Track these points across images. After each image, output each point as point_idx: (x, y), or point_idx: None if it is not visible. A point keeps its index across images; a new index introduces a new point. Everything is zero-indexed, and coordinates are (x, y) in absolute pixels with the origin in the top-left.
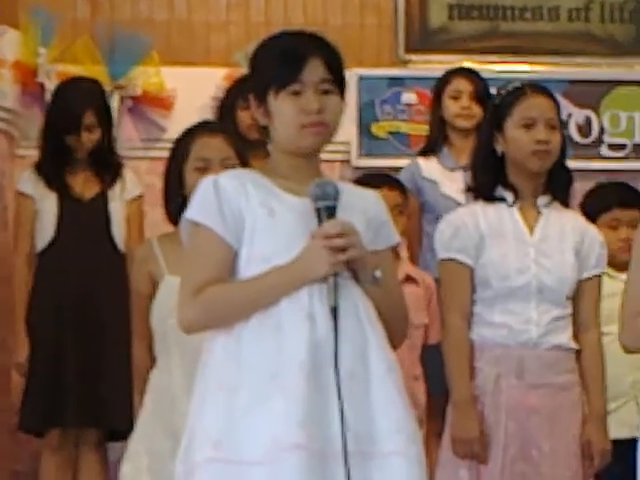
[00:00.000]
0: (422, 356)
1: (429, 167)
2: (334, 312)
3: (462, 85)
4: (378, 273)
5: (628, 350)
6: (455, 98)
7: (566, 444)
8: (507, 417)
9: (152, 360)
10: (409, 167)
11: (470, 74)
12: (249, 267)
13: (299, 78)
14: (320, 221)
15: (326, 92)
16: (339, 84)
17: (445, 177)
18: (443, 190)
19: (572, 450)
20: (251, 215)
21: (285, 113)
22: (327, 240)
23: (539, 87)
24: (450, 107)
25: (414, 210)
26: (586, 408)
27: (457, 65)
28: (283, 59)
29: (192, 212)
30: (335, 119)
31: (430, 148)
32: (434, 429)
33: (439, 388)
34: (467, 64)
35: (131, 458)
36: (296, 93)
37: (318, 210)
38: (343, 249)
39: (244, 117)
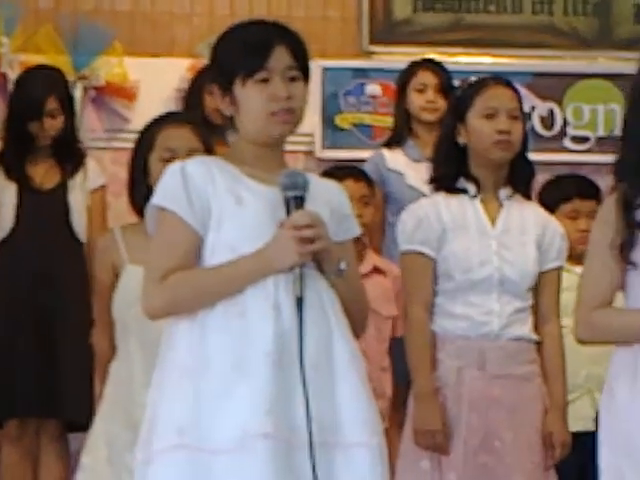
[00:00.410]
0: (390, 348)
1: (394, 158)
2: (299, 302)
3: (427, 78)
4: (343, 265)
5: (583, 343)
6: (420, 91)
7: (528, 435)
8: (469, 408)
9: (113, 350)
10: (373, 158)
11: (435, 66)
12: (215, 254)
13: (266, 65)
14: (289, 211)
15: (292, 79)
16: (304, 72)
17: (410, 168)
18: (408, 181)
19: (534, 441)
20: (218, 202)
21: (253, 101)
22: (296, 230)
23: (501, 79)
24: (415, 100)
25: (378, 201)
26: (547, 399)
27: (421, 57)
28: (249, 47)
29: (158, 198)
30: (302, 106)
31: (395, 140)
32: (397, 420)
33: (405, 380)
34: (431, 56)
35: (91, 449)
36: (264, 81)
37: (287, 200)
38: (311, 240)
39: (210, 101)
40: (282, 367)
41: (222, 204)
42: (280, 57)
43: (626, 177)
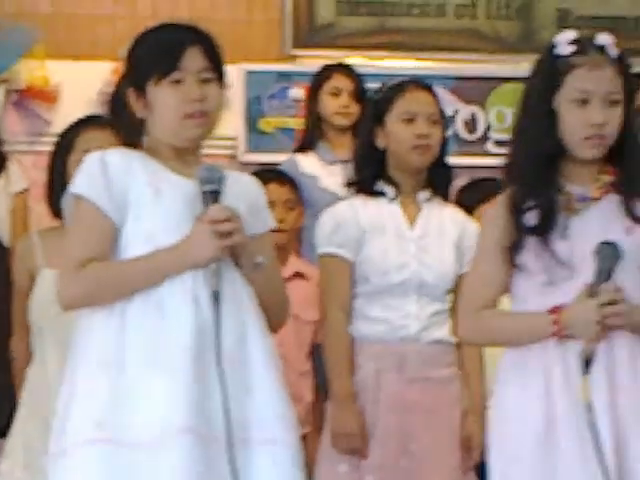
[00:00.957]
0: (313, 353)
1: (307, 162)
2: (216, 297)
3: (342, 82)
4: (260, 259)
5: (466, 344)
6: (335, 95)
7: (446, 438)
8: (387, 412)
9: (30, 355)
10: (286, 163)
11: (350, 71)
12: (132, 245)
13: (179, 66)
14: (206, 205)
15: (206, 81)
16: (219, 74)
17: (324, 171)
18: (322, 184)
19: (452, 444)
20: (136, 193)
21: (166, 103)
22: (213, 225)
23: (420, 82)
24: (329, 104)
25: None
26: (466, 402)
27: (336, 61)
28: (162, 49)
29: (76, 186)
30: (216, 109)
31: (306, 143)
32: (317, 425)
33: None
34: (354, 60)
35: (8, 455)
36: (177, 82)
37: (204, 193)
38: (228, 234)
39: None
40: (201, 362)
41: (140, 194)
42: (193, 58)
43: (516, 180)
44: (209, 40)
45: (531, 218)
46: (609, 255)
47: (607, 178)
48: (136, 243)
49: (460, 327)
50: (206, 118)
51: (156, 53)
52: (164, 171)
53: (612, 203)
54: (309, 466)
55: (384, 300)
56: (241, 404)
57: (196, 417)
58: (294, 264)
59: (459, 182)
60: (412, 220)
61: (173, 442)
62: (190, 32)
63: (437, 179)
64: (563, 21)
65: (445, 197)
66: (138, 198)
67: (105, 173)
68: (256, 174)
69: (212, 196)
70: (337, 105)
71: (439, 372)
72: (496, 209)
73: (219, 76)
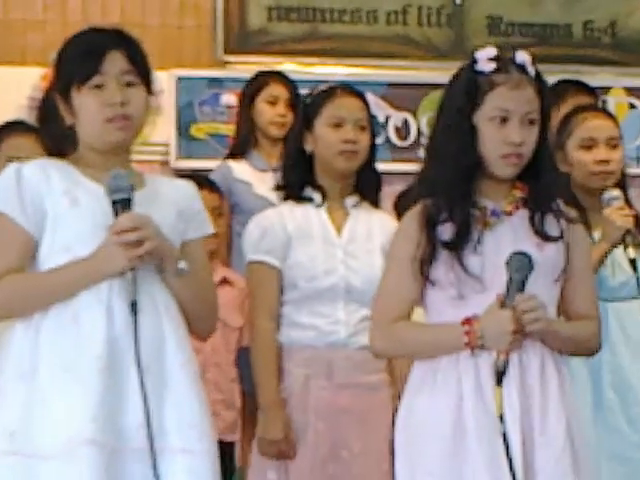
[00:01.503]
0: (238, 358)
1: (240, 168)
2: (133, 307)
3: (279, 90)
4: (182, 264)
5: (378, 355)
6: (271, 103)
7: (376, 444)
8: (316, 418)
9: None
10: (220, 169)
11: (286, 79)
12: (51, 257)
13: (99, 70)
14: (116, 214)
15: (129, 85)
16: (144, 78)
17: (257, 178)
18: (256, 190)
19: (382, 450)
20: (52, 203)
21: (89, 107)
22: (121, 235)
23: (350, 88)
24: (265, 112)
25: (227, 212)
26: (395, 407)
27: (271, 68)
28: (83, 54)
29: None
30: (140, 112)
31: (238, 150)
32: (248, 431)
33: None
34: (286, 66)
35: None
36: (98, 86)
37: (114, 202)
38: (138, 243)
39: None
40: (112, 372)
41: (56, 205)
42: (115, 62)
43: (434, 194)
44: (132, 44)
45: (444, 231)
46: (521, 266)
47: (519, 193)
48: (55, 254)
49: (373, 339)
50: (129, 122)
51: (77, 58)
52: (84, 180)
53: (523, 219)
54: (241, 472)
55: (312, 306)
56: (157, 414)
57: (103, 429)
58: (221, 270)
59: (393, 189)
60: (339, 226)
61: (78, 453)
62: (112, 36)
63: (365, 185)
64: (494, 28)
65: (374, 202)
66: (54, 208)
67: (20, 186)
68: (186, 179)
69: (122, 204)
70: (274, 114)
71: (368, 378)
72: (409, 221)
73: (144, 80)
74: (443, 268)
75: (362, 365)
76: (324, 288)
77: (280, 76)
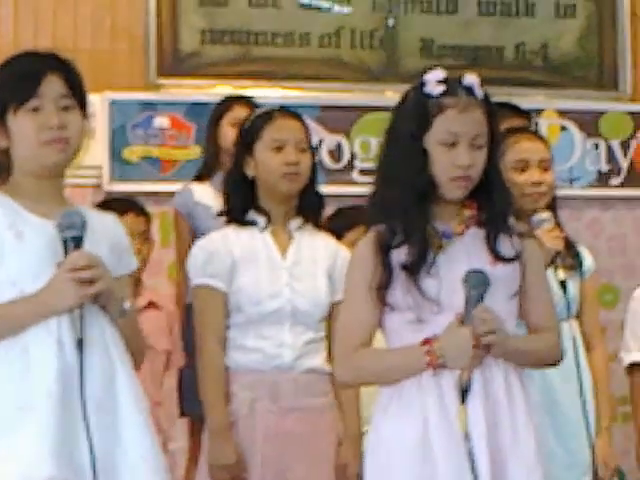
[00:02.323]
0: (180, 380)
1: (202, 192)
2: (80, 344)
3: (242, 113)
4: (127, 304)
5: (347, 386)
6: (235, 125)
7: (321, 467)
8: (263, 441)
9: None
10: (182, 192)
11: (250, 103)
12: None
13: (37, 93)
14: (67, 251)
15: (66, 108)
16: (80, 102)
17: (218, 201)
18: (216, 213)
19: (328, 473)
20: None
21: (25, 131)
22: (74, 272)
23: (288, 111)
24: (229, 135)
25: (185, 234)
26: (341, 430)
27: (237, 93)
28: (20, 77)
29: None
30: (77, 136)
31: (204, 172)
32: (193, 455)
33: (197, 411)
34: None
35: None
36: (35, 110)
37: (64, 240)
38: (90, 281)
39: None
40: (66, 406)
41: (2, 240)
42: (52, 85)
43: (385, 219)
44: (69, 67)
45: (399, 255)
46: (477, 283)
47: (468, 212)
48: (2, 289)
49: (336, 370)
50: (66, 144)
51: (14, 81)
52: (25, 213)
53: (475, 237)
54: None
55: (258, 329)
56: (109, 451)
57: (58, 466)
58: (148, 294)
59: (325, 211)
60: (284, 249)
61: None
62: (49, 59)
63: (308, 206)
64: (426, 50)
65: (317, 224)
66: (0, 243)
67: None
68: (112, 203)
69: (74, 242)
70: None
71: (314, 401)
72: (363, 249)
73: (80, 104)
74: (400, 292)
75: (307, 388)
76: (269, 312)
77: (244, 100)
